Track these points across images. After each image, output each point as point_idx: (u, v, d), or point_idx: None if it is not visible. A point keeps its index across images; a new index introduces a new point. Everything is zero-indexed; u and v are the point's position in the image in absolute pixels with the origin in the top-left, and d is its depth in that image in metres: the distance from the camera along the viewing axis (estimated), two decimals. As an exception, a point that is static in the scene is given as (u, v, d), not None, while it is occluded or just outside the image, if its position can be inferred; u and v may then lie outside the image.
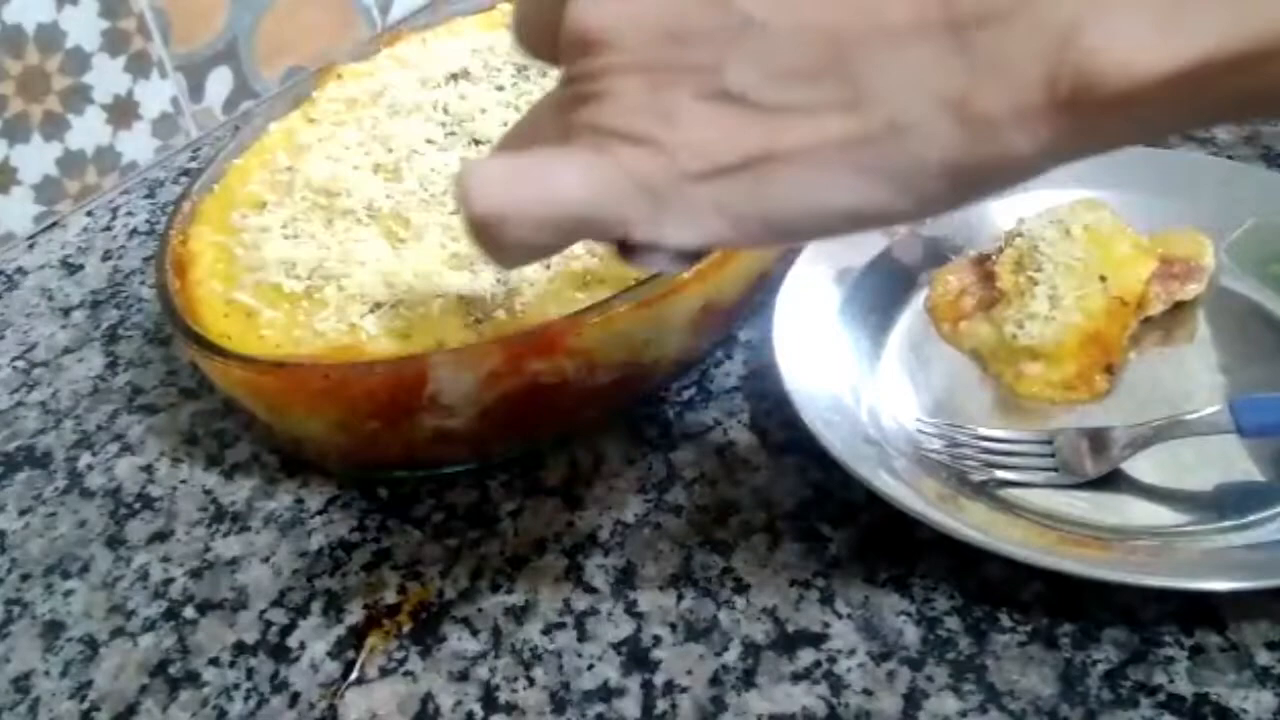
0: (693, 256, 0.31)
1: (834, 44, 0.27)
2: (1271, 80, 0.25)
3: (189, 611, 0.46)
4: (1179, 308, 0.50)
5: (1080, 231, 0.49)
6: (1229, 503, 0.42)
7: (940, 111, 0.27)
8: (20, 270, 0.70)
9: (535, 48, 0.33)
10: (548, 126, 0.32)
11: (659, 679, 0.40)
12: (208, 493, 0.52)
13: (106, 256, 0.69)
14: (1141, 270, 0.48)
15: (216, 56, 0.78)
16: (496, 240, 0.30)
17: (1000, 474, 0.44)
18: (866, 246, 0.54)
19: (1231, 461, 0.43)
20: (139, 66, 0.74)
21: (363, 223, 0.55)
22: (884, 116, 0.27)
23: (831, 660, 0.40)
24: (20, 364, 0.62)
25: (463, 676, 0.42)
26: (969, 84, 0.26)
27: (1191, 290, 0.49)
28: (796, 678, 0.40)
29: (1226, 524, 0.42)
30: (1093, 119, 0.26)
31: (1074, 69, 0.25)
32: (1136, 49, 0.25)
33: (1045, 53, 0.26)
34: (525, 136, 0.33)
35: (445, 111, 0.61)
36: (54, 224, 0.73)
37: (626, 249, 0.31)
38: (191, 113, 0.78)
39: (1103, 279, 0.48)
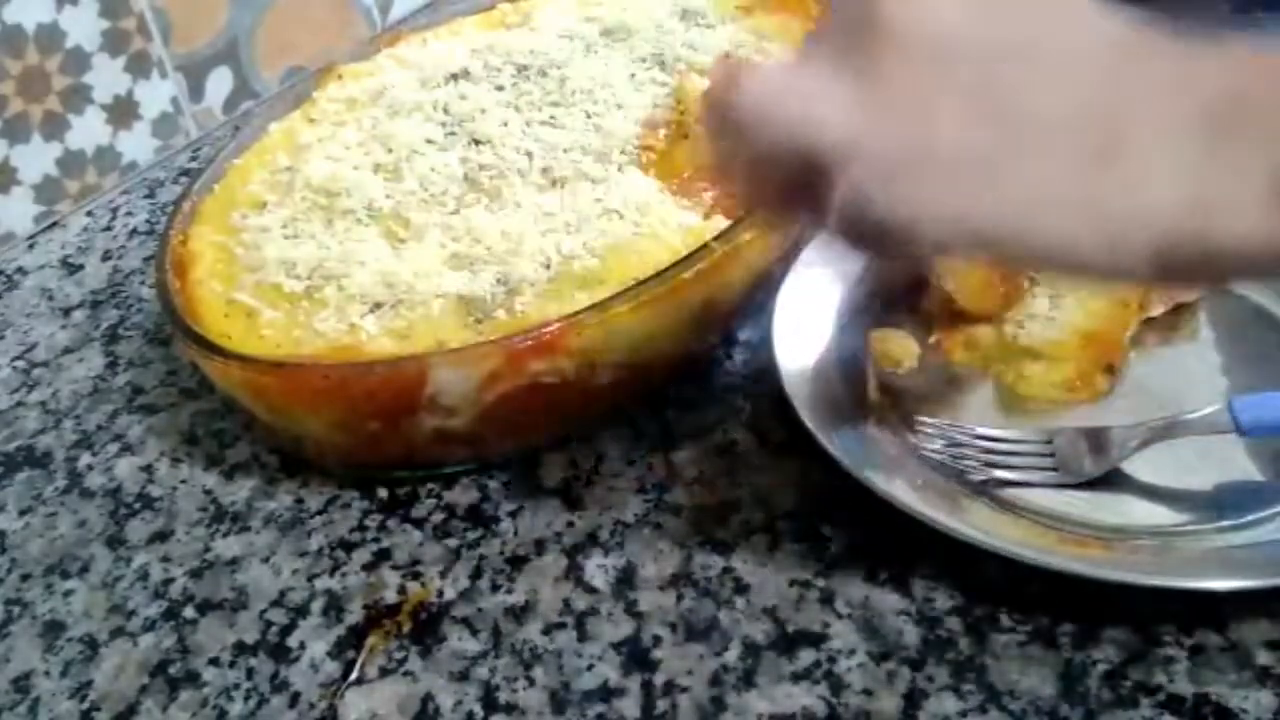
0: (891, 249, 0.34)
1: (1108, 88, 0.30)
2: None
3: (189, 611, 0.46)
4: (1179, 308, 0.50)
5: None
6: (1229, 503, 0.42)
7: (1174, 185, 0.29)
8: (20, 270, 0.70)
9: (836, 29, 0.35)
10: (824, 68, 0.34)
11: (659, 679, 0.40)
12: (208, 493, 0.52)
13: (106, 256, 0.70)
14: None
15: (216, 56, 0.78)
16: (730, 117, 0.35)
17: (1000, 474, 0.44)
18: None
19: (1231, 461, 0.43)
20: (139, 66, 0.74)
21: (363, 223, 0.55)
22: (1124, 175, 0.30)
23: (831, 660, 0.40)
24: (20, 364, 0.62)
25: (463, 676, 0.42)
26: (1216, 166, 0.29)
27: (1194, 291, 0.49)
28: (796, 678, 0.40)
29: (1226, 524, 0.42)
30: None
31: None
32: None
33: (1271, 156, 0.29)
34: (803, 60, 0.36)
35: (445, 111, 0.61)
36: (54, 224, 0.73)
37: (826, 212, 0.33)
38: (191, 113, 0.78)
39: None
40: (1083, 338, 0.47)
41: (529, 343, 0.45)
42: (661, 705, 0.40)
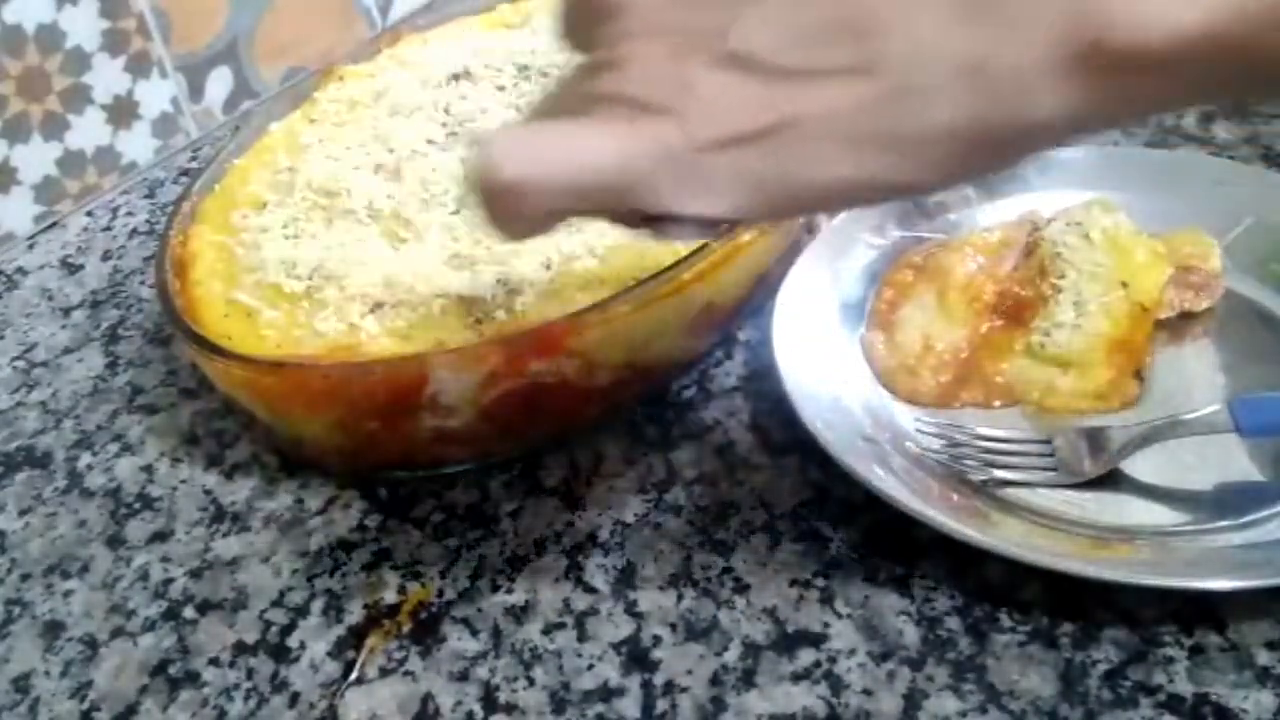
0: (718, 225, 0.31)
1: (845, 6, 0.27)
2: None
3: (189, 611, 0.46)
4: (1187, 315, 0.49)
5: (1100, 236, 0.49)
6: (1229, 502, 0.42)
7: (955, 75, 0.27)
8: (20, 270, 0.70)
9: (576, 35, 0.33)
10: (570, 98, 0.32)
11: (659, 679, 0.40)
12: (208, 493, 0.52)
13: (106, 256, 0.69)
14: (1159, 276, 0.48)
15: (216, 56, 0.78)
16: (515, 207, 0.31)
17: (1000, 474, 0.44)
18: (866, 247, 0.54)
19: (1231, 461, 0.43)
20: (139, 66, 0.74)
21: (363, 223, 0.55)
22: (895, 82, 0.27)
23: (831, 660, 0.40)
24: (20, 364, 0.62)
25: (463, 676, 0.42)
26: (987, 45, 0.26)
27: (1205, 303, 0.49)
28: (796, 678, 0.40)
29: (1226, 524, 0.42)
30: (1110, 79, 0.26)
31: (1094, 25, 0.25)
32: (1155, 7, 0.25)
33: (1066, 9, 0.26)
34: (547, 109, 0.33)
35: (446, 112, 0.61)
36: (54, 224, 0.73)
37: (650, 221, 0.31)
38: (191, 113, 0.78)
39: (1124, 285, 0.48)
40: (1110, 344, 0.47)
41: (529, 343, 0.45)
42: (661, 705, 0.40)
